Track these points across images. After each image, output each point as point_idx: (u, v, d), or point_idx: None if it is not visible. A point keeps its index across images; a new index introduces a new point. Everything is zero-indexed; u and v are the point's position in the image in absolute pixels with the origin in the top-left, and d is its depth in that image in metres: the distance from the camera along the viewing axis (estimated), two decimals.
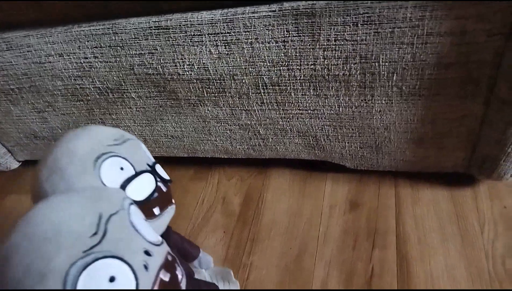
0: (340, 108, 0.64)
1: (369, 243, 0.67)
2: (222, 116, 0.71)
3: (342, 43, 0.55)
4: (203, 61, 0.62)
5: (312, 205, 0.76)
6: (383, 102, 0.61)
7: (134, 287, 0.29)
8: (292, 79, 0.62)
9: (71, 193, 0.34)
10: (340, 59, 0.57)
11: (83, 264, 0.27)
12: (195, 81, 0.65)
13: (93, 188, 0.37)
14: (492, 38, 0.50)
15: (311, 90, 0.63)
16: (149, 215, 0.43)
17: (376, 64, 0.56)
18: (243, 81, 0.63)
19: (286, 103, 0.66)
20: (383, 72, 0.57)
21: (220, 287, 0.61)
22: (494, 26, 0.49)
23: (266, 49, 0.58)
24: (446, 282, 0.60)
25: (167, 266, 0.33)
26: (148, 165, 0.45)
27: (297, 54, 0.58)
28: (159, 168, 0.47)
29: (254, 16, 0.55)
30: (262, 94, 0.65)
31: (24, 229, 0.30)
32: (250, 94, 0.66)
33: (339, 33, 0.54)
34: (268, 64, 0.60)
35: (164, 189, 0.46)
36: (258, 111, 0.68)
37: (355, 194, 0.76)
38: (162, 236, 0.53)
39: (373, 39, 0.54)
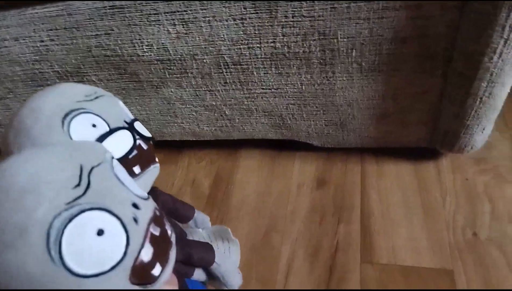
0: (303, 86, 0.64)
1: (334, 219, 0.68)
2: (186, 97, 0.70)
3: (300, 19, 0.54)
4: (162, 41, 0.61)
5: (280, 184, 0.77)
6: (344, 79, 0.62)
7: (124, 241, 0.27)
8: (253, 58, 0.61)
9: (45, 146, 0.31)
10: (299, 36, 0.57)
11: (68, 216, 0.25)
12: (155, 62, 0.64)
13: (69, 141, 0.34)
14: (446, 11, 0.51)
15: (273, 69, 0.62)
16: (129, 174, 0.42)
17: (335, 40, 0.56)
18: (204, 61, 0.62)
19: (249, 83, 0.65)
20: (342, 49, 0.57)
21: (220, 246, 0.58)
22: None
23: (225, 27, 0.57)
24: (407, 254, 0.61)
25: (156, 220, 0.31)
26: (126, 121, 0.42)
27: (256, 32, 0.57)
28: (138, 125, 0.44)
29: None
30: (225, 73, 0.64)
31: None
32: (213, 74, 0.65)
33: (296, 10, 0.53)
34: (228, 42, 0.59)
35: (144, 146, 0.43)
36: (222, 91, 0.68)
37: (322, 171, 0.77)
38: None
39: (330, 15, 0.53)
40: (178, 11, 0.57)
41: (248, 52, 0.60)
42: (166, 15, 0.57)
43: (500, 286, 0.56)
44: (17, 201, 0.25)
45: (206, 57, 0.62)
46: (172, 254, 0.32)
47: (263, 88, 0.66)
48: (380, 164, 0.75)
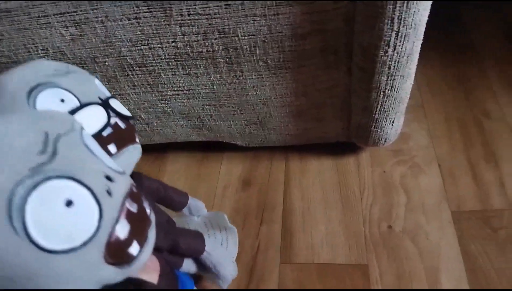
0: (214, 86, 0.62)
1: (257, 219, 0.67)
2: None
3: (196, 17, 0.52)
4: (57, 45, 0.57)
5: (206, 186, 0.75)
6: (253, 77, 0.60)
7: (97, 214, 0.24)
8: (157, 59, 0.58)
9: (6, 114, 0.28)
10: (199, 35, 0.55)
11: (32, 183, 0.22)
12: None
13: (32, 110, 0.31)
14: (339, 5, 0.50)
15: (180, 70, 0.60)
16: None
17: (236, 38, 0.54)
18: (106, 63, 0.59)
19: (159, 85, 0.63)
20: (245, 47, 0.56)
21: (217, 235, 0.55)
22: None
23: (120, 28, 0.54)
24: (324, 251, 0.61)
25: (133, 196, 0.28)
26: (100, 98, 0.39)
27: (154, 32, 0.55)
28: (115, 102, 0.41)
29: None
30: (131, 76, 0.61)
31: None
32: (119, 77, 0.62)
33: (190, 7, 0.51)
34: (127, 43, 0.56)
35: (122, 125, 0.40)
36: (132, 95, 0.65)
37: (248, 171, 0.75)
38: None
39: (226, 12, 0.52)
40: (67, 12, 0.53)
41: (150, 53, 0.58)
42: (56, 17, 0.54)
43: (412, 278, 0.56)
44: None
45: (107, 59, 0.59)
46: (151, 234, 0.29)
47: (174, 90, 0.64)
48: (303, 161, 0.74)
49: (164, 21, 0.53)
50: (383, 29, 0.48)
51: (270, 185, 0.72)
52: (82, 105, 0.37)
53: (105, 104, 0.39)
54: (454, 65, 0.84)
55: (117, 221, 0.26)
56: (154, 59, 0.58)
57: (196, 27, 0.54)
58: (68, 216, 0.23)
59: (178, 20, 0.53)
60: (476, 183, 0.64)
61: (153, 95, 0.65)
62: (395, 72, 0.54)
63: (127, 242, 0.26)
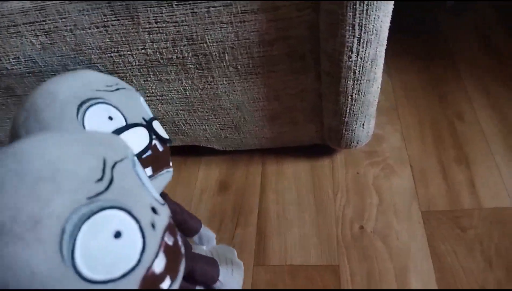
0: (187, 92, 0.63)
1: (233, 223, 0.68)
2: None
3: (164, 25, 0.53)
4: (28, 53, 0.57)
5: (184, 191, 0.75)
6: (225, 82, 0.61)
7: (140, 247, 0.24)
8: (127, 66, 0.59)
9: (62, 132, 0.27)
10: (168, 42, 0.55)
11: (88, 211, 0.22)
12: (27, 75, 0.61)
13: (88, 131, 0.31)
14: (303, 13, 0.51)
15: (151, 76, 0.61)
16: None
17: (205, 45, 0.55)
18: None
19: None
20: (214, 53, 0.56)
21: (222, 268, 0.54)
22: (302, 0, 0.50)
23: (89, 36, 0.55)
24: (297, 253, 0.62)
25: (171, 229, 0.28)
26: (144, 119, 0.38)
27: (123, 39, 0.55)
28: (157, 125, 0.40)
29: (65, 1, 0.52)
30: None
31: (11, 165, 0.23)
32: None
33: (157, 15, 0.52)
34: (97, 51, 0.57)
35: (160, 148, 0.39)
36: None
37: (225, 175, 0.76)
38: None
39: (192, 20, 0.52)
40: (36, 22, 0.54)
41: (121, 60, 0.58)
42: (25, 26, 0.54)
43: (382, 278, 0.57)
44: (33, 188, 0.22)
45: (78, 67, 0.59)
46: (182, 268, 0.29)
47: (147, 96, 0.64)
48: (280, 164, 0.75)
49: (132, 28, 0.54)
50: (345, 36, 0.49)
51: (247, 188, 0.73)
52: (128, 126, 0.36)
53: (148, 126, 0.38)
54: (429, 69, 0.85)
55: (156, 255, 0.25)
56: (125, 66, 0.59)
57: (164, 34, 0.54)
58: (114, 247, 0.23)
59: (146, 28, 0.54)
60: (446, 184, 0.65)
61: None
62: (361, 77, 0.55)
63: (162, 277, 0.26)
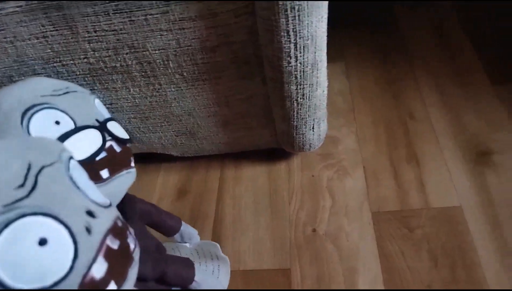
0: (136, 100, 0.63)
1: None
2: None
3: (103, 34, 0.53)
4: None
5: (143, 198, 0.75)
6: (173, 89, 0.61)
7: (71, 253, 0.23)
8: (72, 75, 0.58)
9: (1, 140, 0.27)
10: (109, 50, 0.55)
11: (5, 220, 0.21)
12: None
13: (23, 137, 0.30)
14: (240, 18, 0.51)
15: (98, 85, 0.60)
16: (94, 178, 0.36)
17: (147, 52, 0.55)
18: None
19: None
20: (158, 60, 0.56)
21: (209, 264, 0.54)
22: (238, 6, 0.50)
23: (30, 47, 0.54)
24: (251, 258, 0.62)
25: (116, 231, 0.27)
26: (98, 120, 0.38)
27: (64, 49, 0.55)
28: (113, 125, 0.39)
29: (1, 13, 0.51)
30: None
31: None
32: None
33: (95, 24, 0.52)
34: (40, 61, 0.56)
35: (117, 149, 0.38)
36: None
37: (184, 181, 0.76)
38: (121, 207, 0.42)
39: (131, 28, 0.52)
40: None
41: (64, 69, 0.58)
42: None
43: (332, 280, 0.58)
44: None
45: (23, 78, 0.58)
46: (132, 272, 0.28)
47: None
48: (238, 168, 0.75)
49: (71, 38, 0.54)
50: (282, 42, 0.50)
51: (205, 194, 0.73)
52: (77, 129, 0.36)
53: (101, 127, 0.38)
54: (385, 68, 0.86)
55: (94, 260, 0.24)
56: (69, 76, 0.59)
57: (105, 42, 0.54)
58: (40, 255, 0.22)
59: (86, 37, 0.53)
60: (397, 184, 0.66)
61: None
62: (303, 82, 0.55)
63: (103, 282, 0.25)
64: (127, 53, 0.55)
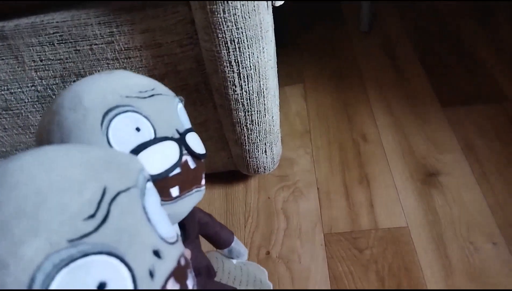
0: None
1: None
2: None
3: (49, 62, 0.53)
4: None
5: None
6: None
7: None
8: (20, 103, 0.58)
9: (72, 146, 0.23)
10: (57, 78, 0.55)
11: (66, 258, 0.18)
12: None
13: (101, 148, 0.26)
14: (186, 48, 0.52)
15: None
16: (163, 195, 0.33)
17: None
18: None
19: (30, 127, 0.62)
20: None
21: (250, 285, 0.52)
22: (182, 37, 0.51)
23: None
24: None
25: (178, 273, 0.24)
26: (178, 131, 0.34)
27: (11, 77, 0.55)
28: (191, 138, 0.35)
29: None
30: (0, 119, 0.61)
31: None
32: None
33: (40, 53, 0.52)
34: None
35: (192, 165, 0.35)
36: (6, 137, 0.64)
37: None
38: (181, 221, 0.40)
39: (77, 57, 0.52)
40: None
41: (12, 97, 0.57)
42: None
43: None
44: (6, 223, 0.18)
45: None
46: None
47: None
48: None
49: (18, 67, 0.54)
50: (225, 72, 0.51)
51: None
52: (157, 140, 0.32)
53: (180, 139, 0.34)
54: (341, 90, 0.89)
55: None
56: (18, 103, 0.58)
57: (51, 71, 0.54)
58: None
59: (32, 66, 0.53)
60: (348, 205, 0.68)
61: (27, 136, 0.64)
62: (250, 109, 0.56)
63: None
64: (74, 81, 0.56)
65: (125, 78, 0.34)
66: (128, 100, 0.32)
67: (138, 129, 0.32)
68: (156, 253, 0.22)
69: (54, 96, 0.57)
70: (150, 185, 0.25)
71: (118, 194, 0.22)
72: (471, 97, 0.83)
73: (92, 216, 0.20)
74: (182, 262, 0.25)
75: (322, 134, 0.80)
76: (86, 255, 0.19)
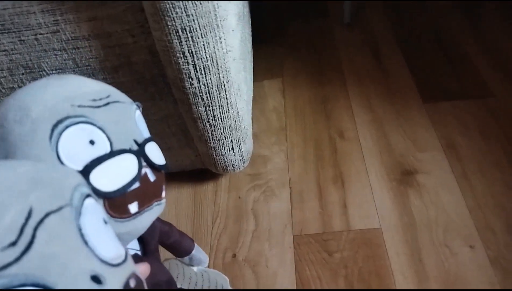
0: None
1: None
2: None
3: None
4: None
5: None
6: None
7: None
8: None
9: (6, 163, 0.21)
10: (4, 71, 0.52)
11: None
12: None
13: (31, 163, 0.23)
14: (138, 38, 0.49)
15: None
16: (121, 212, 0.31)
17: (44, 73, 0.52)
18: None
19: None
20: None
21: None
22: (132, 26, 0.48)
23: None
24: None
25: None
26: (136, 142, 0.32)
27: None
28: (151, 148, 0.33)
29: None
30: None
31: None
32: None
33: None
34: None
35: (151, 177, 0.32)
36: None
37: None
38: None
39: (22, 48, 0.49)
40: None
41: None
42: None
43: None
44: None
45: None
46: None
47: None
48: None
49: None
50: (179, 63, 0.47)
51: None
52: (113, 153, 0.30)
53: (139, 151, 0.31)
54: (321, 85, 0.85)
55: None
56: None
57: None
58: None
59: None
60: (321, 205, 0.65)
61: None
62: (211, 103, 0.53)
63: None
64: (23, 74, 0.52)
65: (77, 85, 0.30)
66: (80, 110, 0.29)
67: (92, 142, 0.29)
68: (95, 279, 0.20)
69: (4, 91, 0.54)
70: (89, 202, 0.23)
71: (46, 215, 0.19)
72: (454, 93, 0.79)
73: (13, 244, 0.18)
74: (132, 283, 0.22)
75: (298, 131, 0.77)
76: (8, 288, 0.17)
